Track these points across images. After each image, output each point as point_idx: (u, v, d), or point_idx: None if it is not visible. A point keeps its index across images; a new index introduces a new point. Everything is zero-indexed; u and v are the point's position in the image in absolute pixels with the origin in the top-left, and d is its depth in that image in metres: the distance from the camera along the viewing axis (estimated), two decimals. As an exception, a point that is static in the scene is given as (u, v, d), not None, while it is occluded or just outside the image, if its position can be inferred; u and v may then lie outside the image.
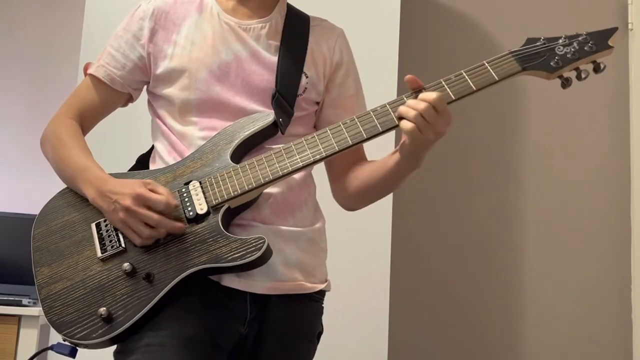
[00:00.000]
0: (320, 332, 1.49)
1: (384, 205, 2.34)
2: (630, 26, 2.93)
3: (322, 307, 1.49)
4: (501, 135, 2.95)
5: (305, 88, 1.46)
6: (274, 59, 1.45)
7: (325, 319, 1.49)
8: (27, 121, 3.06)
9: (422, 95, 1.29)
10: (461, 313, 2.83)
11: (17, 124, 3.10)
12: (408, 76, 1.33)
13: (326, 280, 1.48)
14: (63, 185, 1.45)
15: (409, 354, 2.75)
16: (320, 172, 1.53)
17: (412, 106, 1.29)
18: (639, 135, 2.89)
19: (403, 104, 1.32)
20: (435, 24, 3.00)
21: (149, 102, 1.52)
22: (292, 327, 1.41)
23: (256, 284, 1.35)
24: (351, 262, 2.29)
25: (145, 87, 1.52)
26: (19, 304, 2.54)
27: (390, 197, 2.36)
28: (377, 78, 2.25)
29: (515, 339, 2.83)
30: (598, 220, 2.89)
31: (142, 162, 1.52)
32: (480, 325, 2.82)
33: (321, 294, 1.47)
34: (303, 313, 1.43)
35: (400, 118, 1.31)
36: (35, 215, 1.43)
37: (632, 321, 2.80)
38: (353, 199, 1.52)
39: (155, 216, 1.28)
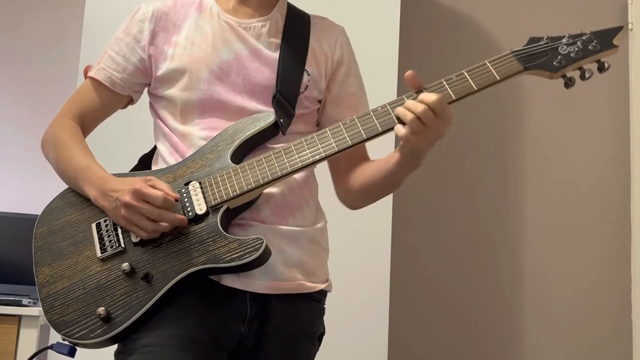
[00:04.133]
0: (322, 334, 1.48)
1: (384, 205, 2.34)
2: (630, 26, 2.93)
3: (324, 308, 1.48)
4: (501, 137, 2.95)
5: (307, 86, 1.46)
6: (275, 56, 1.45)
7: (325, 319, 1.49)
8: (28, 121, 3.05)
9: (421, 97, 1.27)
10: (461, 313, 2.82)
11: (18, 123, 3.10)
12: (408, 72, 1.31)
13: (327, 280, 1.47)
14: (63, 186, 1.45)
15: (409, 354, 2.75)
16: (320, 172, 1.53)
17: (410, 108, 1.26)
18: (639, 136, 2.89)
19: (403, 104, 1.31)
20: (435, 24, 3.00)
21: (150, 104, 1.52)
22: (293, 327, 1.40)
23: (256, 283, 1.34)
24: (351, 262, 2.29)
25: (146, 89, 1.52)
26: (19, 304, 2.54)
27: (390, 196, 2.35)
28: (377, 78, 2.25)
29: (515, 339, 2.83)
30: (598, 221, 2.88)
31: (144, 162, 1.52)
32: (480, 325, 2.82)
33: (322, 294, 1.46)
34: (303, 313, 1.43)
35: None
36: (36, 215, 1.43)
37: (632, 321, 2.80)
38: (356, 198, 1.52)
39: (155, 209, 1.28)
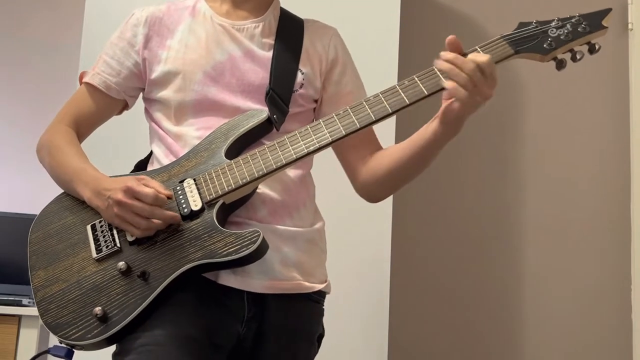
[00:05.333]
0: (321, 335, 1.48)
1: (384, 206, 2.34)
2: (630, 26, 2.92)
3: (322, 309, 1.48)
4: (500, 136, 2.94)
5: (302, 84, 1.46)
6: (268, 55, 1.46)
7: (325, 319, 1.49)
8: (27, 121, 3.06)
9: (471, 56, 1.28)
10: (461, 313, 2.82)
11: (17, 124, 3.10)
12: (450, 37, 1.32)
13: (326, 281, 1.47)
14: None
15: (409, 354, 2.75)
16: (318, 174, 1.53)
17: (459, 65, 1.27)
18: (639, 135, 2.89)
19: (395, 91, 1.31)
20: (435, 24, 2.99)
21: (145, 109, 1.52)
22: (291, 327, 1.40)
23: (253, 282, 1.34)
24: (351, 263, 2.29)
25: (140, 94, 1.52)
26: (19, 304, 2.54)
27: (390, 197, 2.35)
28: (377, 77, 2.25)
29: (515, 339, 2.83)
30: (598, 220, 2.88)
31: (140, 168, 1.52)
32: (480, 325, 2.82)
33: (320, 294, 1.46)
34: (302, 313, 1.42)
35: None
36: (36, 215, 1.43)
37: (632, 321, 2.80)
38: (380, 186, 1.49)
39: (146, 207, 1.27)
